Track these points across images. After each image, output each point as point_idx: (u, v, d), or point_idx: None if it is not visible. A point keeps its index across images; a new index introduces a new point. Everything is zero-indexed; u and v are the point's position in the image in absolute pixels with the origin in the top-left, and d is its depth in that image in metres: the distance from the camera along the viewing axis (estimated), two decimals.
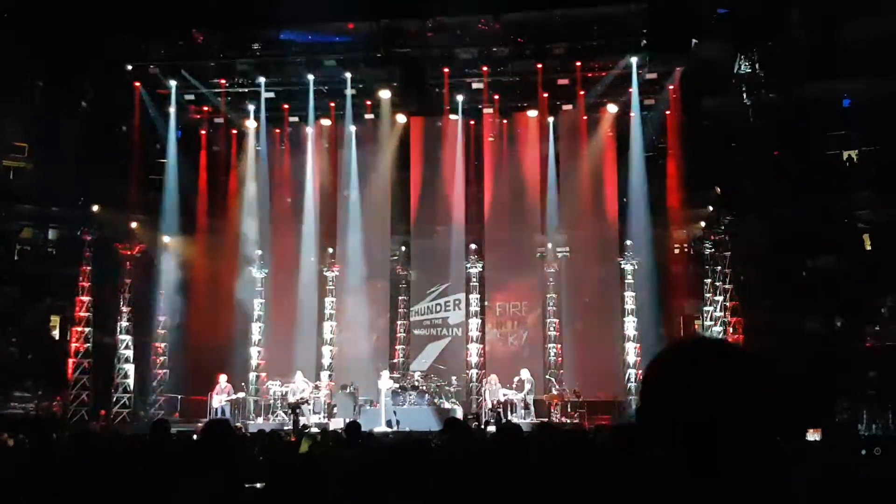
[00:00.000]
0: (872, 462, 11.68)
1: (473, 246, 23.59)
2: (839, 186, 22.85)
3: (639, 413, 1.52)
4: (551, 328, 22.90)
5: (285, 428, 18.66)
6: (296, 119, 24.58)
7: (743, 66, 23.27)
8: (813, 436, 17.03)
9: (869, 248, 23.30)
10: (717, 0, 23.52)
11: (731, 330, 21.34)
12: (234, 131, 25.02)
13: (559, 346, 22.73)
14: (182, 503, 3.95)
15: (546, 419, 19.73)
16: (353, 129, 24.73)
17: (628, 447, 3.76)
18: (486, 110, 23.79)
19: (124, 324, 23.26)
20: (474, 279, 23.49)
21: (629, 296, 22.67)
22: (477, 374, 22.37)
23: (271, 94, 24.06)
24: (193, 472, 4.00)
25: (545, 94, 23.34)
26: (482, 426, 18.06)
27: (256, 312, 23.96)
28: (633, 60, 22.49)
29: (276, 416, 20.74)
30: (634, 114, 23.09)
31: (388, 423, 18.65)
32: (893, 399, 20.28)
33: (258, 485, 4.02)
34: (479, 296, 23.45)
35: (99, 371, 22.67)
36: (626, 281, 22.84)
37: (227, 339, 23.09)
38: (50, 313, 24.74)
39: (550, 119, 23.85)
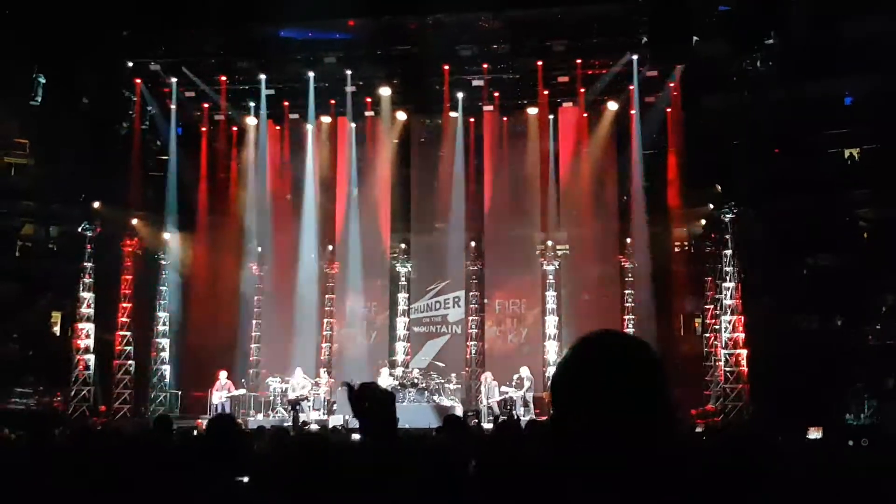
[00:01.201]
0: (861, 453, 11.75)
1: (473, 243, 23.62)
2: (840, 184, 22.85)
3: (551, 420, 1.55)
4: (551, 326, 22.92)
5: (285, 424, 18.69)
6: (296, 116, 24.56)
7: (744, 64, 23.24)
8: (814, 434, 17.02)
9: (869, 246, 23.29)
10: None
11: (731, 327, 21.34)
12: (235, 128, 25.03)
13: (559, 343, 22.75)
14: (187, 499, 3.97)
15: (545, 417, 19.79)
16: (353, 126, 24.76)
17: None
18: (486, 108, 23.76)
19: (125, 320, 23.30)
20: (474, 276, 23.53)
21: (629, 294, 22.69)
22: (476, 371, 22.42)
23: (272, 92, 24.04)
24: (199, 468, 4.02)
25: (545, 92, 23.32)
26: (481, 423, 18.09)
27: (256, 309, 24.02)
28: (634, 58, 22.47)
29: (276, 412, 20.76)
30: (635, 111, 23.08)
31: None
32: (890, 394, 20.33)
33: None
34: (478, 293, 23.50)
35: (100, 367, 22.72)
36: (626, 279, 22.87)
37: (228, 335, 23.14)
38: (51, 310, 24.81)
39: (551, 116, 23.85)
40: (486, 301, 23.67)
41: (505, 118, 24.18)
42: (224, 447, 3.97)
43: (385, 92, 23.83)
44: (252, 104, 24.37)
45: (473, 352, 22.97)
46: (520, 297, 24.21)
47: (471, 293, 23.51)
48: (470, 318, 23.31)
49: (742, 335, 21.23)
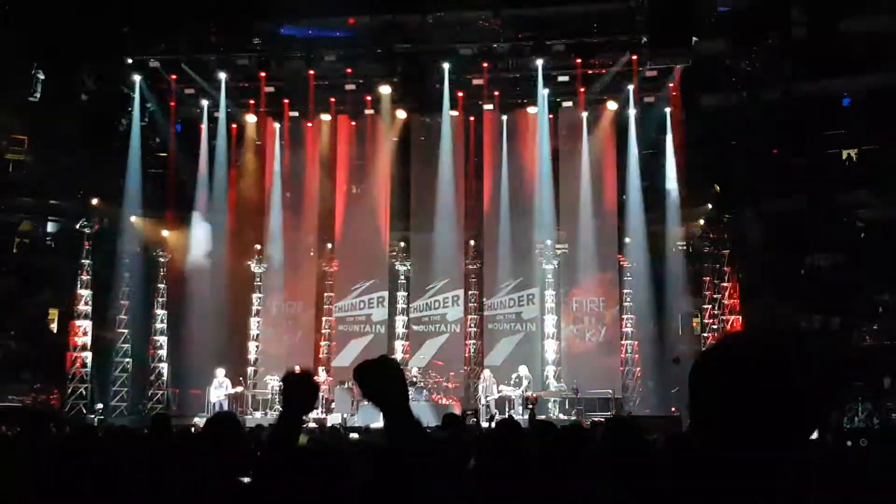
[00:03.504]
0: (861, 453, 11.76)
1: (472, 242, 23.62)
2: (838, 185, 22.87)
3: (694, 410, 1.50)
4: (549, 325, 22.93)
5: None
6: (295, 114, 24.55)
7: (743, 64, 23.26)
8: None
9: (867, 245, 23.31)
10: None
11: (729, 327, 21.36)
12: (234, 126, 25.01)
13: (557, 342, 22.77)
14: (180, 493, 3.96)
15: (544, 416, 19.81)
16: (353, 124, 24.76)
17: (623, 441, 3.78)
18: (485, 106, 23.77)
19: (123, 317, 23.28)
20: (473, 276, 23.53)
21: (627, 293, 22.70)
22: (475, 370, 22.44)
23: (271, 89, 24.05)
24: (194, 462, 4.01)
25: (545, 91, 23.33)
26: (480, 422, 18.08)
27: (255, 307, 24.01)
28: (634, 57, 22.48)
29: (275, 411, 20.75)
30: (634, 111, 23.10)
31: None
32: (889, 396, 20.34)
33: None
34: (477, 292, 23.50)
35: (97, 365, 22.69)
36: (625, 278, 22.87)
37: (226, 333, 23.12)
38: (48, 306, 24.75)
39: (550, 116, 23.85)
40: (484, 300, 23.67)
41: (504, 117, 24.19)
42: (224, 445, 3.96)
43: (385, 90, 23.83)
44: (251, 101, 24.37)
45: (472, 351, 22.97)
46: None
47: (470, 292, 23.51)
48: (468, 316, 23.31)
49: None
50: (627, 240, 22.88)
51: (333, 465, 2.38)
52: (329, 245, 24.41)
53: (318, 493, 2.31)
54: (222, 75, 23.82)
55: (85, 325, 22.64)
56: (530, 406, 19.47)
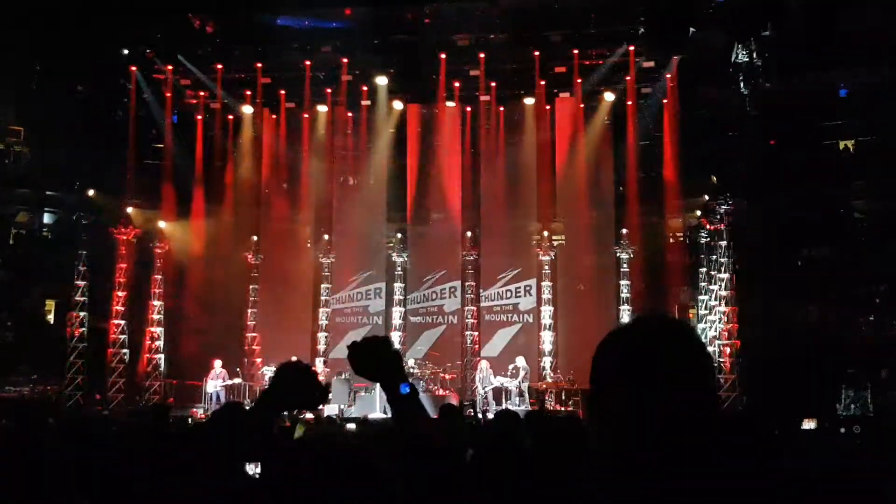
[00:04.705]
0: (853, 440, 11.85)
1: (469, 233, 23.63)
2: (835, 176, 22.89)
3: (590, 394, 1.53)
4: (546, 316, 22.96)
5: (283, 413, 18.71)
6: (292, 105, 24.51)
7: (740, 55, 23.24)
8: (808, 424, 17.11)
9: (864, 237, 23.36)
10: None
11: (725, 319, 21.41)
12: (231, 117, 24.94)
13: (554, 333, 22.81)
14: (181, 484, 3.97)
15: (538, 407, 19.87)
16: (349, 115, 24.72)
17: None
18: (482, 97, 23.72)
19: (119, 308, 23.26)
20: (470, 267, 23.55)
21: (624, 284, 22.73)
22: (472, 361, 22.48)
23: (268, 80, 24.00)
24: (197, 452, 4.01)
25: (542, 82, 23.29)
26: (477, 413, 18.16)
27: (252, 298, 24.01)
28: (631, 48, 22.45)
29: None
30: (631, 102, 23.08)
31: (384, 410, 18.73)
32: (886, 386, 20.43)
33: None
34: (474, 283, 23.52)
35: (94, 355, 22.68)
36: (622, 269, 22.89)
37: (223, 324, 23.13)
38: (45, 297, 24.73)
39: (547, 107, 23.83)
40: (481, 291, 23.69)
41: (502, 108, 24.16)
42: (233, 438, 3.96)
43: (382, 81, 23.78)
44: (248, 92, 24.32)
45: (469, 342, 23.01)
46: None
47: (467, 283, 23.53)
48: (466, 308, 23.34)
49: (736, 325, 21.31)
50: (624, 231, 22.89)
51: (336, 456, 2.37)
52: (326, 236, 24.40)
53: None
54: (219, 66, 23.75)
55: (82, 316, 22.62)
56: (539, 397, 19.52)
